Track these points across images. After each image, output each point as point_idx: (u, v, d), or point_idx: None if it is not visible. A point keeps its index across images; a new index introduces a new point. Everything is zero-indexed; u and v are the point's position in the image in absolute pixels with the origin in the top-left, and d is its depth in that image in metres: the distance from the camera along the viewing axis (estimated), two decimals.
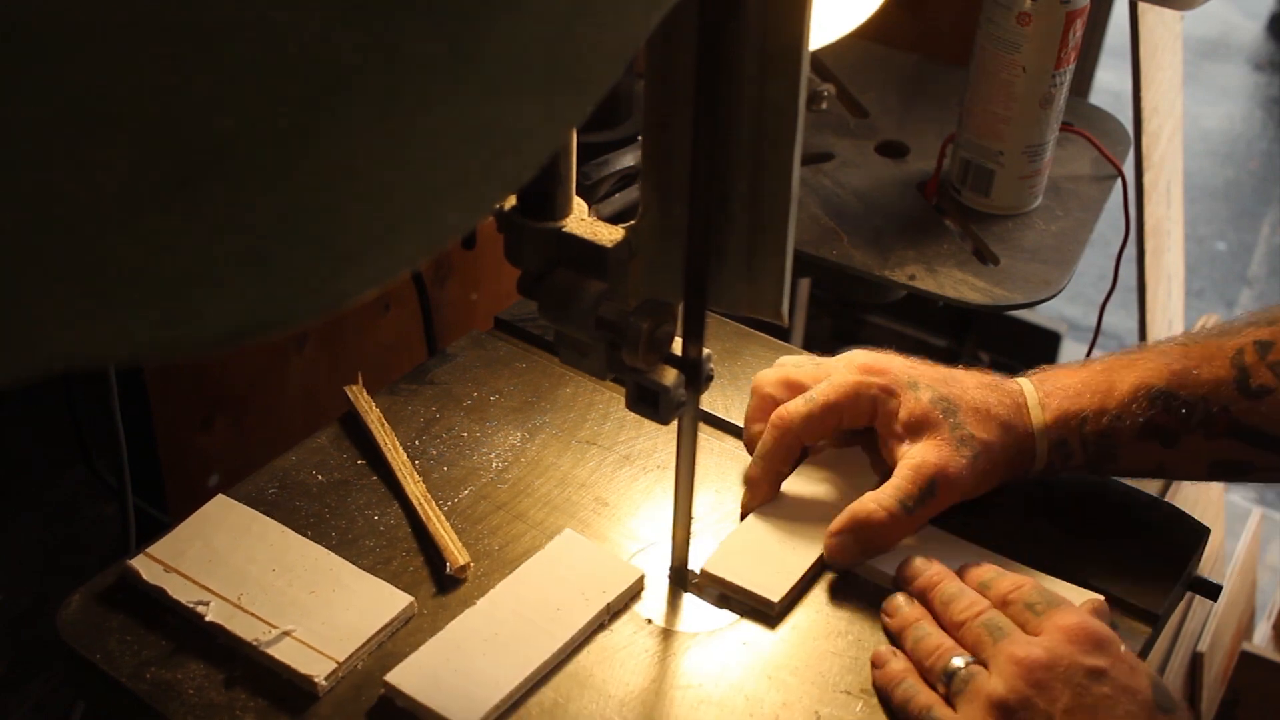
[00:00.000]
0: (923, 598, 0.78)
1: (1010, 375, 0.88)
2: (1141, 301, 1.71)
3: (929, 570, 0.79)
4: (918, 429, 0.83)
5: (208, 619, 0.75)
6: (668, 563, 0.82)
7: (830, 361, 0.88)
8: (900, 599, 0.78)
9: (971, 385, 0.85)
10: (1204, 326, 1.82)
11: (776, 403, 0.86)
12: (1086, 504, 0.89)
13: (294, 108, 0.33)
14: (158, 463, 1.14)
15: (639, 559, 0.83)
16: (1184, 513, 0.89)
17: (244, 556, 0.79)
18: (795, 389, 0.86)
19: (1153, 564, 0.85)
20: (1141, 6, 1.51)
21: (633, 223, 0.72)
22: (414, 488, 0.85)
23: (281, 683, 0.73)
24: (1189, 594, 0.90)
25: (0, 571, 1.05)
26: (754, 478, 0.85)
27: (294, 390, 1.27)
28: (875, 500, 0.81)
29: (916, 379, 0.85)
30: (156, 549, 0.80)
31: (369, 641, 0.75)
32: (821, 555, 0.82)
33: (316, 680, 0.72)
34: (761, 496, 0.85)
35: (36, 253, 0.31)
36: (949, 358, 2.15)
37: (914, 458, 0.82)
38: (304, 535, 0.82)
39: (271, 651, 0.74)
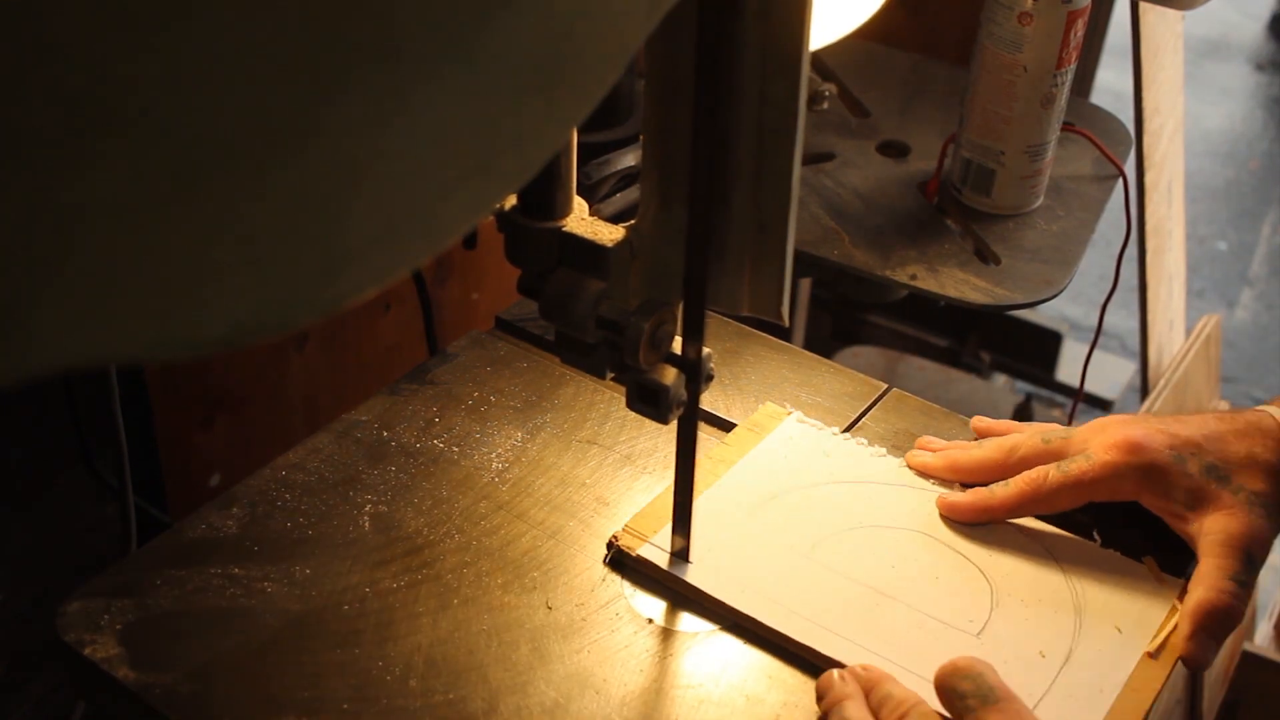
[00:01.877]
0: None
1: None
2: (1143, 301, 1.71)
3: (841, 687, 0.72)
4: (1199, 503, 0.82)
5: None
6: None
7: (1081, 431, 0.87)
8: (835, 675, 0.73)
9: (1232, 436, 0.84)
10: (1204, 329, 1.82)
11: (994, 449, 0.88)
12: (1089, 504, 0.89)
13: (294, 107, 0.33)
14: (158, 462, 1.14)
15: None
16: None
17: None
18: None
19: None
20: (1143, 6, 1.51)
21: (633, 222, 0.72)
22: None
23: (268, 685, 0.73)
24: None
25: (0, 571, 1.05)
26: (978, 504, 0.85)
27: (295, 390, 1.27)
28: (1211, 588, 0.79)
29: (1180, 450, 0.83)
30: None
31: None
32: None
33: None
34: (969, 517, 0.86)
35: (37, 253, 0.31)
36: (950, 357, 2.16)
37: (1217, 533, 0.81)
38: (305, 534, 0.82)
39: None
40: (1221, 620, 0.78)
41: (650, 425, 0.92)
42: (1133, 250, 1.56)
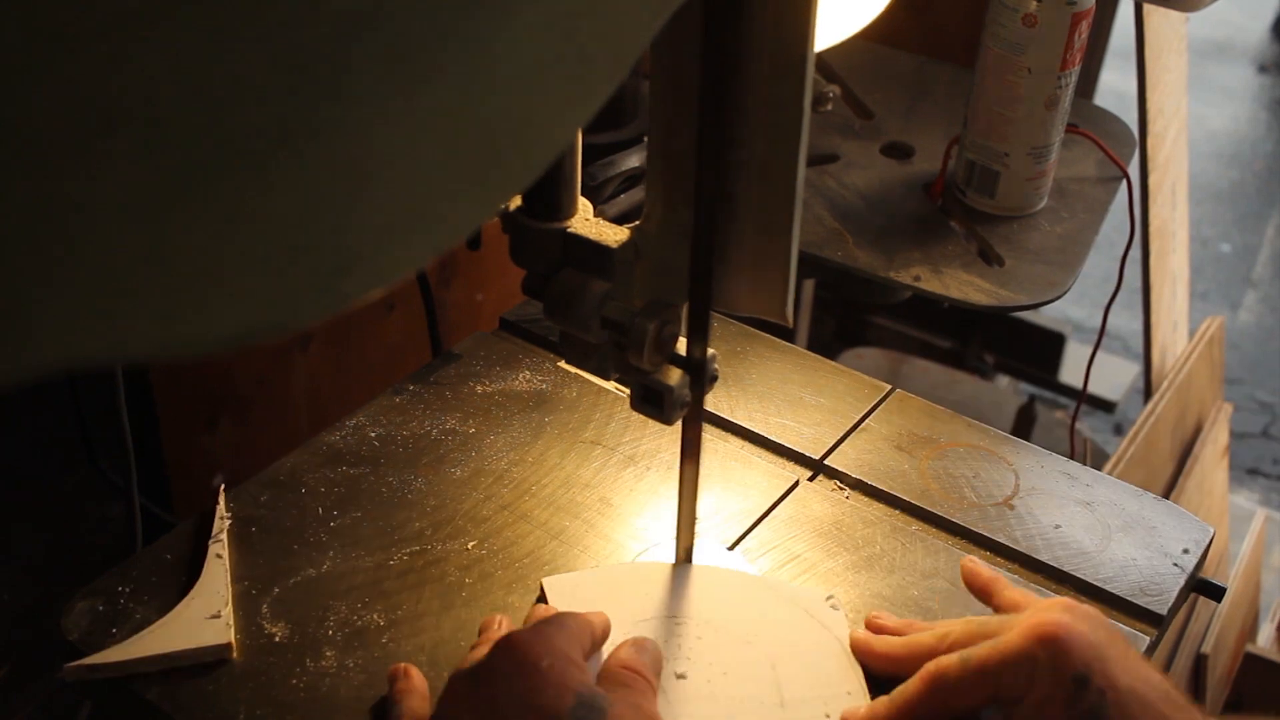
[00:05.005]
0: None
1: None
2: (1146, 303, 1.71)
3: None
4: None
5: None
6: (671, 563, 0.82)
7: (1014, 617, 0.71)
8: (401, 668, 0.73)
9: (1155, 700, 0.67)
10: (1207, 330, 1.82)
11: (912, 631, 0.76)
12: (1093, 505, 0.89)
13: (301, 108, 0.33)
14: (163, 463, 1.14)
15: (643, 559, 0.83)
16: (1188, 514, 0.90)
17: None
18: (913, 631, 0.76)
19: (1157, 565, 0.85)
20: (1146, 8, 1.51)
21: (638, 223, 0.72)
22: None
23: (289, 683, 0.74)
24: (1193, 595, 0.90)
25: (5, 570, 1.05)
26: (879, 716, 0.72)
27: (299, 390, 1.27)
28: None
29: (1089, 673, 0.66)
30: None
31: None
32: None
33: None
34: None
35: (43, 252, 0.31)
36: (954, 359, 2.15)
37: None
38: (308, 534, 0.82)
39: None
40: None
41: (654, 426, 0.92)
42: (1136, 252, 1.56)
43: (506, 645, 0.66)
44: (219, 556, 0.80)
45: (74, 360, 0.33)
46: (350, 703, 0.72)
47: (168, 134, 0.31)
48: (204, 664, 0.74)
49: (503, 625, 0.75)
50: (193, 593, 0.77)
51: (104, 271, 0.32)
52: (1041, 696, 0.67)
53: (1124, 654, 0.68)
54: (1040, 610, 0.70)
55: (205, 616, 0.76)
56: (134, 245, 0.32)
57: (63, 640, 0.76)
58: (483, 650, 0.69)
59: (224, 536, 0.82)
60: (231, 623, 0.76)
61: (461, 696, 0.66)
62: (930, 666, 0.71)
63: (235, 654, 0.74)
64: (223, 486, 0.86)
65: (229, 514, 0.84)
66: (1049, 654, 0.67)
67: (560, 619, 0.70)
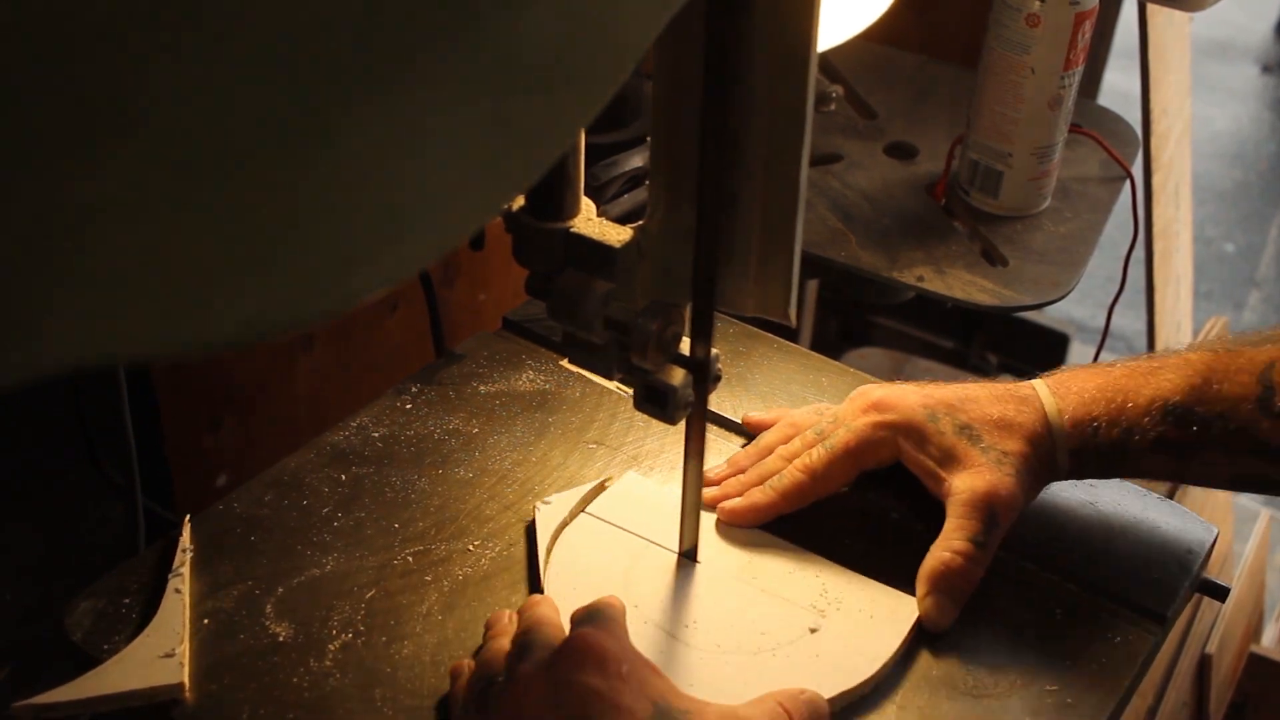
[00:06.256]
0: None
1: (1021, 378, 0.87)
2: (1150, 303, 1.70)
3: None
4: (950, 461, 0.82)
5: None
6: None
7: (838, 408, 0.88)
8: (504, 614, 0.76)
9: (987, 400, 0.84)
10: (1211, 330, 1.82)
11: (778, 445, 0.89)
12: (1097, 505, 0.89)
13: (305, 108, 0.33)
14: (166, 463, 1.14)
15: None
16: (1192, 514, 0.89)
17: None
18: (796, 429, 0.89)
19: (1161, 565, 0.85)
20: (1150, 8, 1.50)
21: (641, 223, 0.72)
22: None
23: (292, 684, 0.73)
24: (1197, 596, 0.90)
25: (7, 571, 1.05)
26: (761, 504, 0.85)
27: (302, 390, 1.27)
28: (947, 549, 0.79)
29: (933, 408, 0.84)
30: None
31: None
32: None
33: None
34: (754, 519, 0.85)
35: (45, 253, 0.31)
36: (957, 359, 2.15)
37: (962, 492, 0.81)
38: (311, 535, 0.82)
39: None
40: (954, 581, 0.79)
41: (657, 426, 0.92)
42: (1140, 252, 1.56)
43: (583, 649, 0.66)
44: (178, 591, 0.77)
45: (76, 360, 0.33)
46: (353, 703, 0.72)
47: (170, 134, 0.31)
48: (158, 703, 0.72)
49: (512, 620, 0.74)
50: (148, 630, 0.75)
51: (106, 271, 0.32)
52: (915, 448, 0.83)
53: (943, 386, 0.86)
54: (865, 391, 0.87)
55: (159, 655, 0.73)
56: (136, 245, 0.32)
57: (65, 640, 0.76)
58: (501, 643, 0.71)
59: (184, 570, 0.79)
60: (185, 662, 0.73)
61: (542, 698, 0.66)
62: (802, 461, 0.85)
63: (188, 694, 0.72)
64: (188, 517, 0.83)
65: (192, 546, 0.81)
66: (893, 418, 0.84)
67: (608, 617, 0.70)
